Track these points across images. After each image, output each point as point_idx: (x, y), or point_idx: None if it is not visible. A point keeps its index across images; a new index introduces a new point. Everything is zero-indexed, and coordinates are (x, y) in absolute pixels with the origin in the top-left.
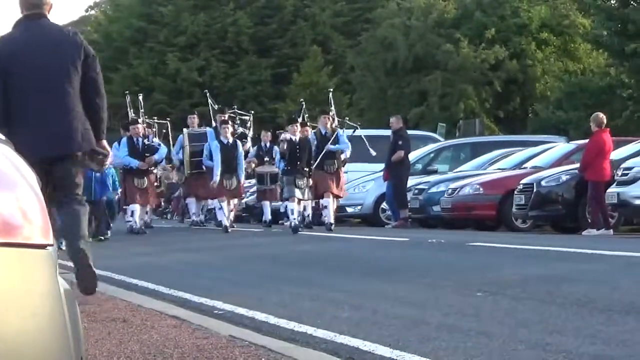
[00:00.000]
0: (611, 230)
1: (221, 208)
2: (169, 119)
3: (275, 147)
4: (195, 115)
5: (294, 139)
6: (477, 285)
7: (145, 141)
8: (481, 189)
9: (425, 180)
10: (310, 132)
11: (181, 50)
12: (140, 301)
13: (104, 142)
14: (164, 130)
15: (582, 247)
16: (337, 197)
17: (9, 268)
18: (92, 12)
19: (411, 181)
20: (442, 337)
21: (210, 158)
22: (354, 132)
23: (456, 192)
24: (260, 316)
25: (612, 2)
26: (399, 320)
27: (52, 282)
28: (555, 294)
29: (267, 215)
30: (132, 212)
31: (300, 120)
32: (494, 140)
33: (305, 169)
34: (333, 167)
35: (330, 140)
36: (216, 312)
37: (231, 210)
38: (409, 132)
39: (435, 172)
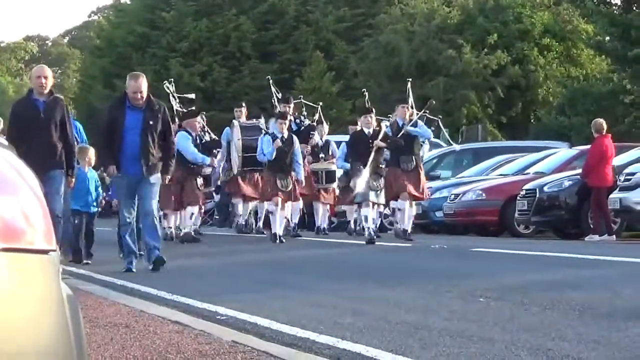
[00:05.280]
0: (614, 236)
1: (273, 213)
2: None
3: (332, 143)
4: (242, 108)
5: (366, 132)
6: (480, 291)
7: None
8: (484, 195)
9: (428, 186)
10: (383, 125)
11: (184, 55)
12: (143, 307)
13: None
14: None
15: (585, 253)
16: (416, 199)
17: (11, 273)
18: (95, 17)
19: None
20: (444, 343)
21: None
22: (437, 124)
23: (459, 197)
24: (263, 322)
25: (614, 8)
26: (402, 326)
27: (54, 287)
28: (558, 299)
29: (321, 221)
30: (192, 214)
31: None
32: (496, 146)
33: (380, 166)
34: (411, 165)
35: (411, 123)
36: (219, 317)
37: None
38: None
39: (437, 178)
